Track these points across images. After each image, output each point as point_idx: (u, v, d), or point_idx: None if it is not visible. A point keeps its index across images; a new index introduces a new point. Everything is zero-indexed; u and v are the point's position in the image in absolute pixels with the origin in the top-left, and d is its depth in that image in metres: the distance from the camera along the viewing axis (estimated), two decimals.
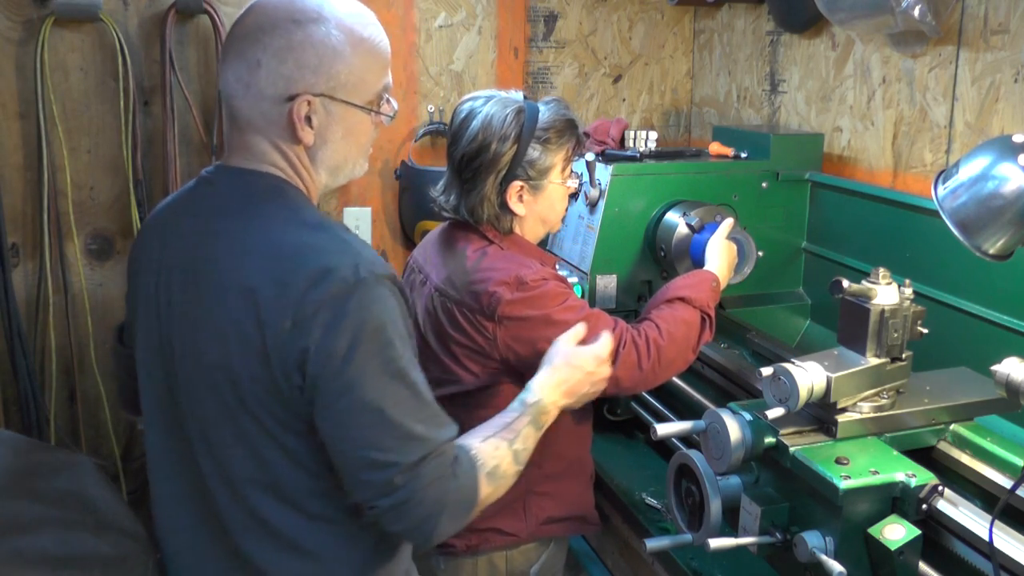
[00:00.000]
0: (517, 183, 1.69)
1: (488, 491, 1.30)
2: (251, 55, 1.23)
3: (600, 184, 2.13)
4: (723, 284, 1.82)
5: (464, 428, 1.33)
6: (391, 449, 1.18)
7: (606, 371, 1.59)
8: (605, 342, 1.59)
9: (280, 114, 1.25)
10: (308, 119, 1.25)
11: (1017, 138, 1.33)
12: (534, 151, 1.68)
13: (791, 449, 1.34)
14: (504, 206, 1.70)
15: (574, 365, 1.53)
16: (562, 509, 1.77)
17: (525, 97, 1.76)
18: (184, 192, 1.39)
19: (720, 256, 1.86)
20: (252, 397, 1.22)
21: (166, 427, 1.33)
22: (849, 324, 1.43)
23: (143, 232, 1.42)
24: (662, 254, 2.13)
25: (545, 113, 1.70)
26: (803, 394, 1.33)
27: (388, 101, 1.34)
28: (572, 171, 1.77)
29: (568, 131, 1.72)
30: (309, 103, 1.24)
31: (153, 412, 1.35)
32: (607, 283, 2.15)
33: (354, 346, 1.17)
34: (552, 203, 1.75)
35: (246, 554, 1.29)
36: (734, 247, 1.92)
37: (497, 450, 1.34)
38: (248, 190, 1.27)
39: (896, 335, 1.40)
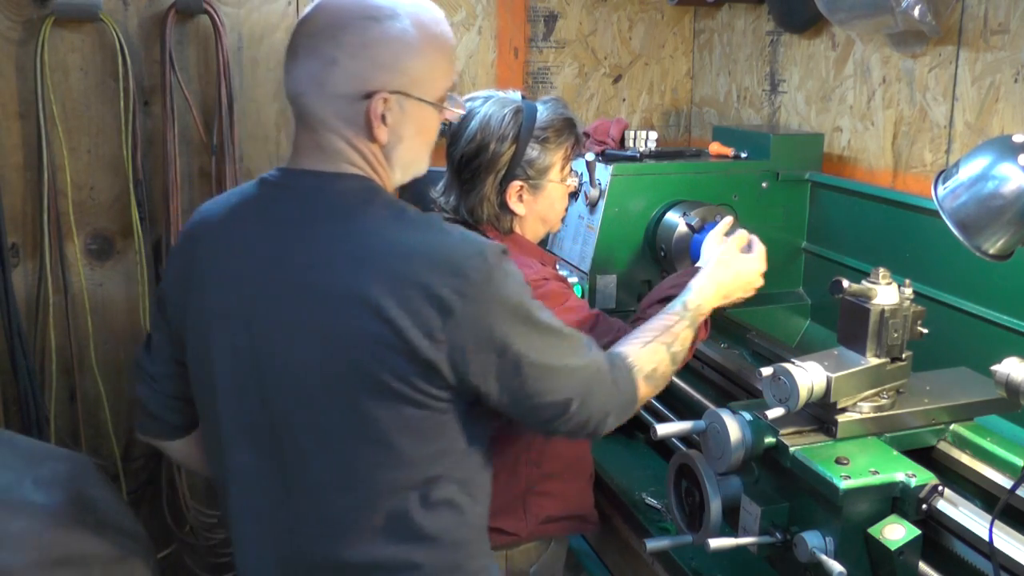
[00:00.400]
0: (516, 183, 1.69)
1: (647, 391, 1.42)
2: (326, 52, 1.22)
3: (600, 184, 2.13)
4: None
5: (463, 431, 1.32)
6: (560, 389, 1.27)
7: (760, 281, 1.68)
8: (761, 251, 1.69)
9: (356, 112, 1.23)
10: (383, 117, 1.24)
11: (1017, 138, 1.33)
12: (533, 150, 1.68)
13: (791, 449, 1.34)
14: (504, 206, 1.70)
15: (732, 269, 1.64)
16: (561, 508, 1.77)
17: (523, 97, 1.76)
18: (246, 199, 1.33)
19: (712, 273, 1.79)
20: (390, 398, 1.20)
21: (260, 445, 1.29)
22: (849, 324, 1.43)
23: (195, 246, 1.34)
24: (662, 254, 2.13)
25: (543, 112, 1.70)
26: (803, 394, 1.33)
27: (454, 99, 1.34)
28: (572, 170, 1.77)
29: (567, 130, 1.72)
30: (385, 100, 1.23)
31: (241, 432, 1.30)
32: (607, 283, 2.15)
33: (506, 327, 1.21)
34: (552, 202, 1.75)
35: (358, 555, 1.27)
36: (731, 244, 1.90)
37: (655, 354, 1.44)
38: (340, 192, 1.25)
39: (896, 335, 1.40)
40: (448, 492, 1.29)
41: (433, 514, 1.28)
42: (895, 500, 1.28)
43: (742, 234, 1.72)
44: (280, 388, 1.24)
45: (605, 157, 2.22)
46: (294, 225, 1.25)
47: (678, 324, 1.50)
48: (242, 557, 1.37)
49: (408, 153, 1.30)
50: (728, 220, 1.91)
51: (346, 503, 1.26)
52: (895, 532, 1.24)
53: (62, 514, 1.29)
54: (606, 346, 1.54)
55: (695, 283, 1.59)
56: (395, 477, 1.25)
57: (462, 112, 1.37)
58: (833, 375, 1.34)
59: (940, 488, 1.28)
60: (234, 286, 1.27)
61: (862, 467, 1.29)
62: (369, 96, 1.22)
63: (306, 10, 1.28)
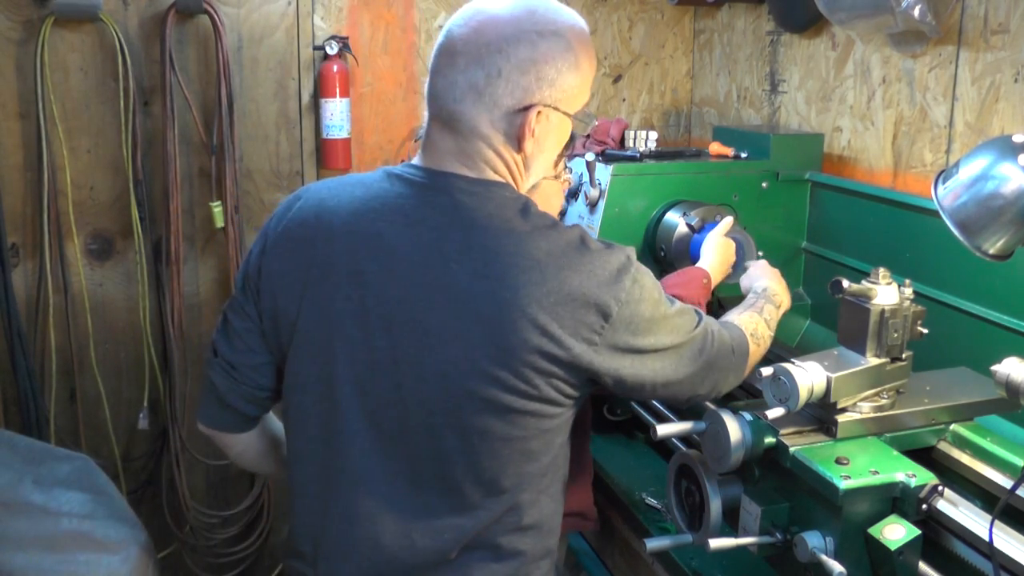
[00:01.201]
0: None
1: (754, 349, 1.50)
2: (490, 62, 1.23)
3: (600, 184, 2.13)
4: (715, 280, 1.83)
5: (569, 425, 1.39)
6: (700, 365, 1.37)
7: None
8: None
9: (511, 123, 1.26)
10: (533, 130, 1.27)
11: (1017, 138, 1.33)
12: None
13: (791, 449, 1.34)
14: None
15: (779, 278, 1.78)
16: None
17: None
18: (382, 195, 1.31)
19: (714, 252, 1.87)
20: (536, 401, 1.25)
21: (382, 443, 1.30)
22: (849, 324, 1.43)
23: (316, 237, 1.31)
24: (662, 254, 2.12)
25: None
26: (803, 394, 1.33)
27: (585, 112, 1.38)
28: (566, 166, 1.77)
29: None
30: (539, 113, 1.26)
31: (368, 429, 1.30)
32: None
33: (652, 326, 1.30)
34: (548, 198, 1.74)
35: (475, 546, 1.31)
36: (731, 245, 1.92)
37: (752, 319, 1.55)
38: (497, 203, 1.27)
39: (896, 335, 1.40)
40: (551, 484, 1.36)
41: (539, 506, 1.35)
42: (895, 500, 1.28)
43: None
44: (422, 389, 1.26)
45: (605, 157, 2.22)
46: (456, 232, 1.25)
47: (758, 302, 1.62)
48: (340, 555, 1.35)
49: (543, 163, 1.35)
50: (728, 220, 1.92)
51: (477, 499, 1.30)
52: (895, 532, 1.24)
53: (62, 514, 1.29)
54: None
55: (756, 282, 1.74)
56: (524, 474, 1.31)
57: (594, 124, 1.41)
58: (833, 375, 1.34)
59: (940, 488, 1.28)
60: (375, 285, 1.26)
61: (862, 467, 1.29)
62: (527, 109, 1.25)
63: (466, 16, 1.28)
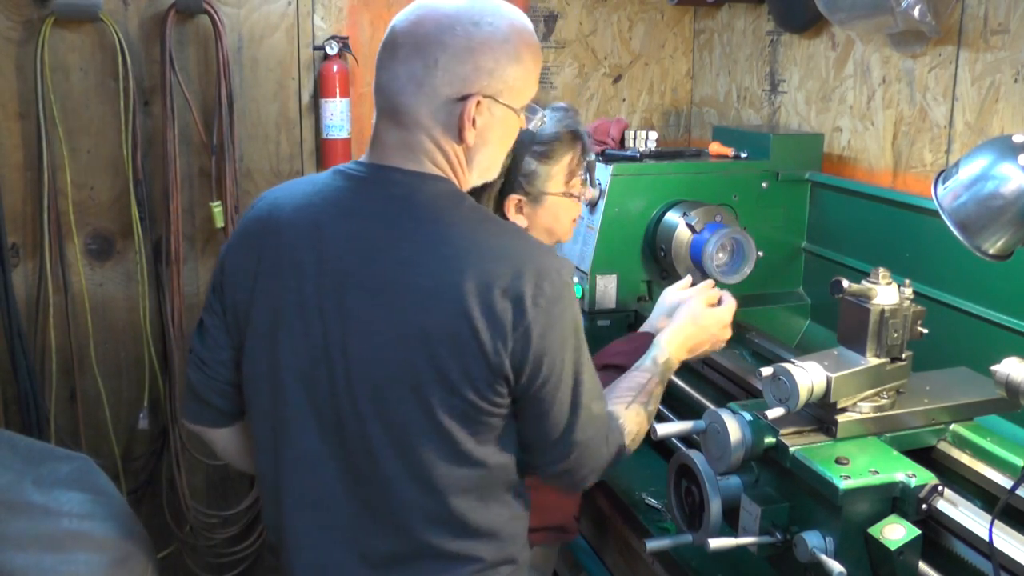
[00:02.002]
0: (514, 196, 1.66)
1: (627, 453, 1.45)
2: (428, 53, 1.24)
3: (600, 184, 2.13)
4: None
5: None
6: (578, 428, 1.30)
7: (728, 334, 1.69)
8: (731, 306, 1.69)
9: (450, 113, 1.26)
10: (474, 120, 1.27)
11: (1017, 138, 1.33)
12: (530, 164, 1.65)
13: (791, 449, 1.34)
14: (504, 218, 1.67)
15: (700, 325, 1.65)
16: (538, 519, 1.73)
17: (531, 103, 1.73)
18: (325, 191, 1.33)
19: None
20: (460, 398, 1.24)
21: (327, 433, 1.31)
22: (849, 324, 1.43)
23: (266, 233, 1.34)
24: (662, 254, 2.13)
25: (547, 125, 1.66)
26: (803, 394, 1.33)
27: (533, 108, 1.38)
28: (584, 179, 1.75)
29: (570, 143, 1.69)
30: (479, 103, 1.26)
31: (307, 418, 1.31)
32: (607, 283, 2.15)
33: (565, 343, 1.26)
34: (556, 214, 1.71)
35: (425, 543, 1.31)
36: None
37: (638, 416, 1.47)
38: (433, 193, 1.28)
39: (896, 335, 1.40)
40: (502, 492, 1.34)
41: (490, 512, 1.33)
42: (895, 500, 1.28)
43: (714, 291, 1.72)
44: (355, 379, 1.27)
45: (605, 157, 2.22)
46: (386, 223, 1.27)
47: (651, 381, 1.53)
48: (295, 546, 1.37)
49: (488, 158, 1.34)
50: (688, 279, 1.82)
51: (412, 496, 1.29)
52: (895, 532, 1.24)
53: (62, 514, 1.29)
54: None
55: (663, 338, 1.61)
56: (459, 475, 1.29)
57: (541, 122, 1.40)
58: (833, 375, 1.34)
59: (940, 488, 1.28)
60: (315, 277, 1.28)
61: (862, 467, 1.29)
62: (465, 98, 1.25)
63: (409, 11, 1.29)
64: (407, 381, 1.24)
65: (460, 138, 1.28)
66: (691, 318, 1.65)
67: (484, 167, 1.35)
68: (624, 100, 3.00)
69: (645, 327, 1.76)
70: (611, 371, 1.64)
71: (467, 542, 1.32)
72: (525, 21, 1.32)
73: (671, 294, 1.76)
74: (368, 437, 1.28)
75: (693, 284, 1.78)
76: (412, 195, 1.27)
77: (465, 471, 1.29)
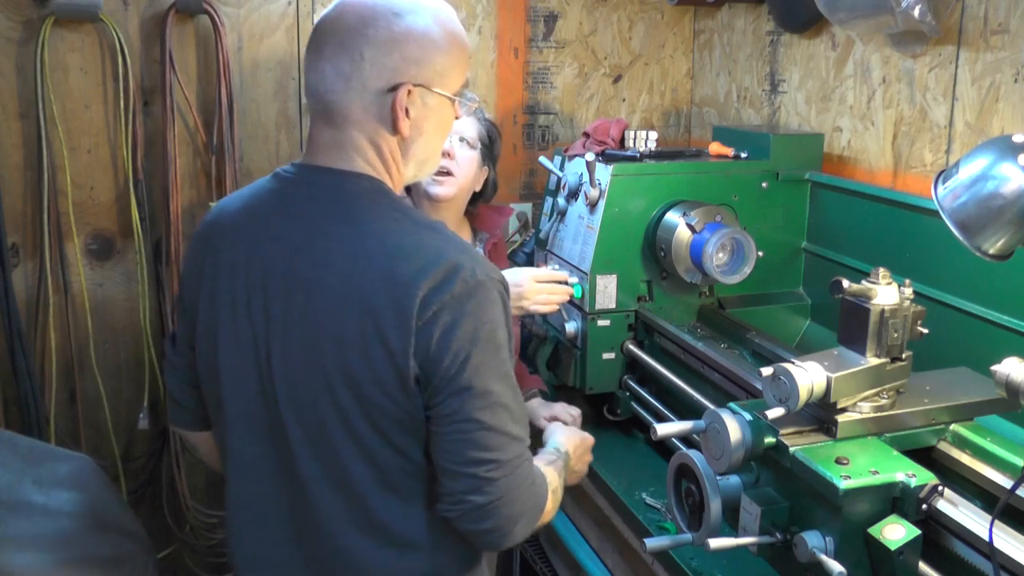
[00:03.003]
0: None
1: (550, 508, 1.38)
2: (354, 48, 1.24)
3: (600, 184, 2.13)
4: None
5: None
6: (494, 448, 1.23)
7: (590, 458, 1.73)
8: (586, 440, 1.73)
9: (382, 105, 1.26)
10: (407, 110, 1.27)
11: (1017, 138, 1.32)
12: None
13: (791, 449, 1.34)
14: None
15: (584, 440, 1.70)
16: None
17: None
18: (260, 193, 1.36)
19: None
20: (370, 399, 1.22)
21: (258, 433, 1.32)
22: (849, 324, 1.43)
23: (213, 235, 1.37)
24: (662, 254, 2.13)
25: None
26: (803, 394, 1.33)
27: (468, 95, 1.37)
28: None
29: None
30: (410, 93, 1.26)
31: (240, 418, 1.33)
32: (607, 283, 2.15)
33: (472, 349, 1.20)
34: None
35: (345, 548, 1.30)
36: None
37: (557, 473, 1.47)
38: (352, 192, 1.27)
39: (896, 335, 1.40)
40: (417, 498, 1.30)
41: (407, 520, 1.29)
42: (895, 500, 1.28)
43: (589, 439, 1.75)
44: (276, 380, 1.27)
45: (605, 157, 2.22)
46: (306, 223, 1.27)
47: (558, 461, 1.54)
48: (237, 543, 1.39)
49: (426, 148, 1.34)
50: (578, 412, 2.07)
51: (331, 498, 1.28)
52: (895, 532, 1.24)
53: (62, 514, 1.29)
54: None
55: (559, 441, 1.65)
56: (378, 479, 1.27)
57: (474, 107, 1.40)
58: (833, 375, 1.34)
59: (940, 488, 1.28)
60: (244, 277, 1.30)
61: (862, 467, 1.29)
62: (395, 89, 1.25)
63: (327, 10, 1.30)
64: (320, 382, 1.24)
65: (395, 129, 1.28)
66: (573, 444, 1.66)
67: (421, 158, 1.34)
68: (624, 100, 3.00)
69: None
70: None
71: (390, 550, 1.30)
72: (448, 10, 1.33)
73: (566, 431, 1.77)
74: (288, 438, 1.28)
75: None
76: (333, 195, 1.28)
77: (383, 475, 1.27)
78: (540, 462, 1.45)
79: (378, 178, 1.30)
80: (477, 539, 1.30)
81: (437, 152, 1.37)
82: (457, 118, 1.38)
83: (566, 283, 2.04)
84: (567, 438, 1.66)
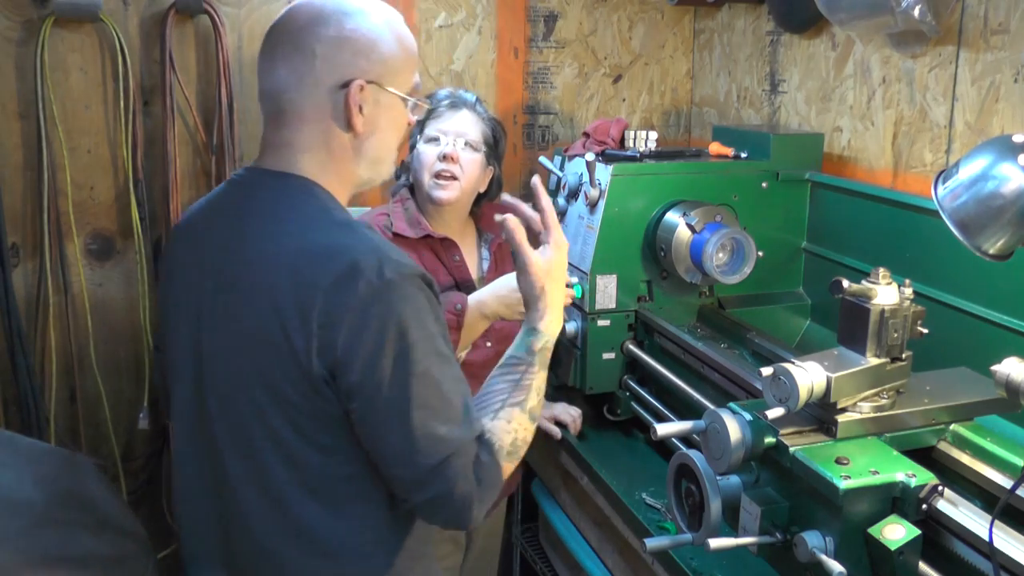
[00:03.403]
0: None
1: (509, 467, 1.31)
2: (305, 46, 1.27)
3: (600, 184, 2.13)
4: (487, 313, 1.76)
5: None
6: (416, 451, 1.20)
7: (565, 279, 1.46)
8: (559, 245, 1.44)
9: (335, 102, 1.28)
10: (360, 107, 1.29)
11: (1017, 138, 1.32)
12: None
13: (791, 449, 1.34)
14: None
15: (557, 279, 1.41)
16: None
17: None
18: (214, 195, 1.41)
19: (496, 290, 1.73)
20: (286, 399, 1.23)
21: (192, 429, 1.35)
22: (849, 324, 1.43)
23: (174, 237, 1.44)
24: (662, 254, 2.13)
25: None
26: (803, 394, 1.33)
27: (415, 107, 1.38)
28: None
29: None
30: (362, 88, 1.28)
31: (181, 414, 1.37)
32: (607, 283, 2.15)
33: (380, 349, 1.18)
34: None
35: (269, 552, 1.30)
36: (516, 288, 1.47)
37: (511, 422, 1.31)
38: (278, 191, 1.29)
39: (896, 335, 1.40)
40: (360, 503, 1.29)
41: (331, 528, 1.27)
42: (895, 500, 1.28)
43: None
44: (206, 379, 1.31)
45: (605, 157, 2.22)
46: (237, 224, 1.30)
47: (527, 374, 1.35)
48: (183, 540, 1.43)
49: (380, 147, 1.35)
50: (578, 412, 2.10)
51: (259, 504, 1.29)
52: (895, 532, 1.24)
53: (62, 514, 1.29)
54: None
55: (539, 322, 1.38)
56: (301, 484, 1.26)
57: (426, 108, 1.43)
58: (833, 375, 1.34)
59: (940, 488, 1.28)
60: (189, 278, 1.34)
61: (862, 467, 1.29)
62: (347, 85, 1.27)
63: (279, 15, 1.35)
64: (240, 381, 1.26)
65: (349, 126, 1.29)
66: (546, 276, 1.39)
67: (374, 157, 1.35)
68: (624, 100, 3.00)
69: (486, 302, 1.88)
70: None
71: (317, 560, 1.29)
72: (396, 13, 1.36)
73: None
74: (217, 438, 1.30)
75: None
76: (266, 195, 1.30)
77: (305, 478, 1.26)
78: (491, 415, 1.30)
79: (312, 179, 1.30)
80: (440, 525, 1.30)
81: (392, 152, 1.38)
82: (410, 124, 1.39)
83: (569, 286, 2.01)
84: (547, 301, 1.38)
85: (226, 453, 1.29)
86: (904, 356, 1.42)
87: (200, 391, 1.32)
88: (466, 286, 2.08)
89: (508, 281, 1.90)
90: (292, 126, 1.30)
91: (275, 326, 1.20)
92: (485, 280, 2.11)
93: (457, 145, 2.04)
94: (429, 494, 1.22)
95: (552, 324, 1.40)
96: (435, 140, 2.07)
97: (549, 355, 1.40)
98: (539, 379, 1.36)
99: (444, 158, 2.03)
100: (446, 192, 2.04)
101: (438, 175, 2.04)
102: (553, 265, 1.40)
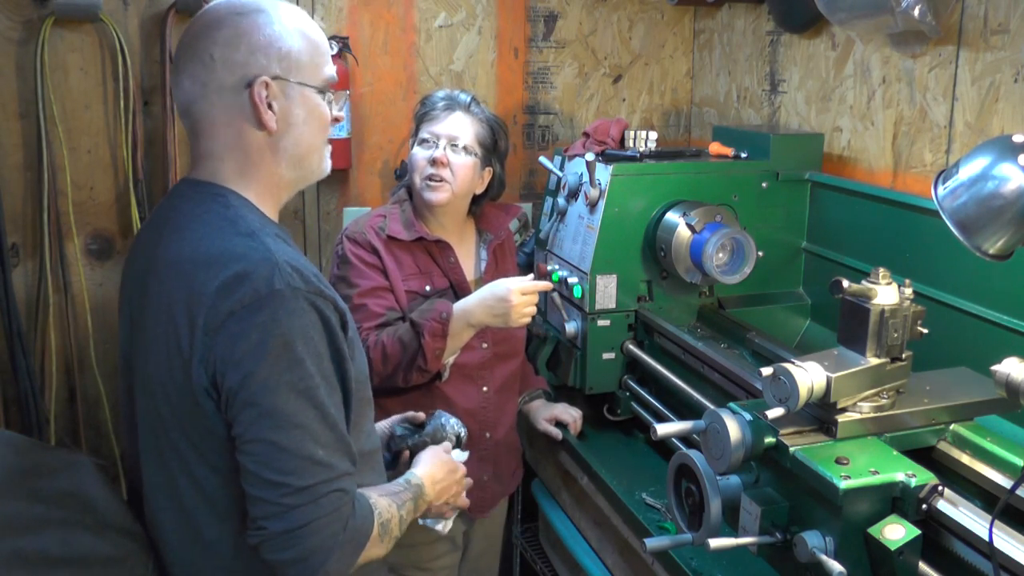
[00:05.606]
0: None
1: (376, 542, 1.28)
2: (203, 52, 1.26)
3: (600, 184, 2.13)
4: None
5: None
6: (288, 471, 1.16)
7: (464, 491, 1.63)
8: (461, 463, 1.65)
9: (242, 103, 1.26)
10: (269, 104, 1.27)
11: (1017, 138, 1.32)
12: None
13: (791, 449, 1.34)
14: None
15: (452, 471, 1.58)
16: None
17: None
18: (155, 208, 1.42)
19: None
20: (180, 408, 1.22)
21: (132, 435, 1.38)
22: (849, 324, 1.43)
23: (130, 248, 1.46)
24: (662, 254, 2.13)
25: None
26: (803, 394, 1.33)
27: (332, 102, 1.36)
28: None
29: None
30: (267, 85, 1.26)
31: (121, 423, 1.44)
32: (607, 283, 2.15)
33: (259, 359, 1.15)
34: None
35: (185, 563, 1.34)
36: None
37: (391, 507, 1.34)
38: (194, 202, 1.29)
39: (896, 335, 1.40)
40: (230, 519, 1.27)
41: (245, 548, 1.23)
42: (895, 500, 1.28)
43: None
44: (136, 389, 1.32)
45: (605, 157, 2.22)
46: (155, 233, 1.31)
47: (403, 493, 1.41)
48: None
49: (298, 144, 1.32)
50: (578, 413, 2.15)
51: (170, 512, 1.30)
52: (895, 532, 1.24)
53: (62, 514, 1.29)
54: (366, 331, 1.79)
55: (418, 470, 1.52)
56: (202, 498, 1.25)
57: (343, 102, 1.44)
58: (833, 375, 1.34)
59: (940, 488, 1.28)
60: (125, 290, 1.38)
61: (862, 467, 1.29)
62: (251, 84, 1.26)
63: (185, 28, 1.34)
64: (152, 392, 1.26)
65: (260, 124, 1.27)
66: (443, 465, 1.56)
67: (295, 154, 1.32)
68: (624, 100, 3.00)
69: None
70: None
71: (221, 574, 1.28)
72: (289, 6, 1.34)
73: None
74: (138, 446, 1.33)
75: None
76: (182, 206, 1.30)
77: (204, 493, 1.25)
78: (375, 492, 1.34)
79: (231, 187, 1.29)
80: (282, 572, 1.20)
81: (317, 147, 1.35)
82: (336, 119, 1.36)
83: (546, 275, 2.11)
84: (428, 468, 1.53)
85: (145, 462, 1.32)
86: (904, 356, 1.42)
87: (132, 400, 1.34)
88: (461, 288, 2.08)
89: (495, 290, 1.92)
90: (207, 135, 1.29)
91: (172, 336, 1.20)
92: (482, 280, 2.11)
93: (447, 149, 2.05)
94: (295, 521, 1.15)
95: (427, 479, 1.51)
96: (427, 143, 2.07)
97: (420, 503, 1.47)
98: (409, 505, 1.41)
99: (433, 162, 2.04)
100: (437, 194, 2.04)
101: (429, 178, 2.05)
102: (458, 469, 1.62)
